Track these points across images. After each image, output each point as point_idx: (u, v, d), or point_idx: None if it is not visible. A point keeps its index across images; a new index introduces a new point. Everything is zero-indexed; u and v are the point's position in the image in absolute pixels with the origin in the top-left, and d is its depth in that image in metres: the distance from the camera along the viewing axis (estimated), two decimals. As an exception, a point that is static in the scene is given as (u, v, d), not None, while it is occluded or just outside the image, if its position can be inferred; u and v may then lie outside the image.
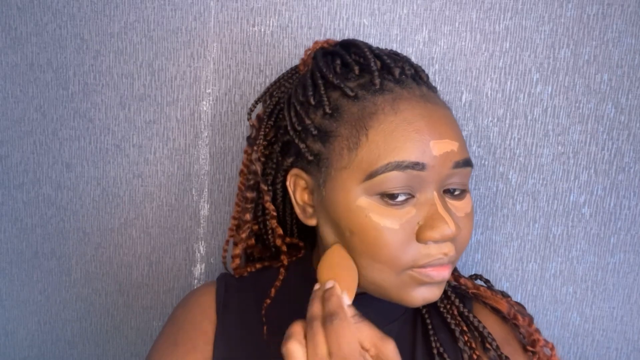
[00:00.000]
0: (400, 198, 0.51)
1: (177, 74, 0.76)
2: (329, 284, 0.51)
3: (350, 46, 0.59)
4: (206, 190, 0.79)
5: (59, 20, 0.76)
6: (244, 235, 0.67)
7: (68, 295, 0.83)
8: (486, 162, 0.76)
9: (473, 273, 0.71)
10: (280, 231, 0.63)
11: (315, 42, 0.64)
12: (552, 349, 0.62)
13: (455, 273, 0.67)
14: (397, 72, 0.54)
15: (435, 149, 0.51)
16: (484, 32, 0.74)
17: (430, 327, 0.61)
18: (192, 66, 0.76)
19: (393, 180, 0.51)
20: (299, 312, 0.51)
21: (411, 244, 0.52)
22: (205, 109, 0.77)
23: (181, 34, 0.75)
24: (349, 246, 0.54)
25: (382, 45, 0.72)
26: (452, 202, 0.54)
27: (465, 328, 0.61)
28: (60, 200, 0.80)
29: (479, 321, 0.61)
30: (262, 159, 0.63)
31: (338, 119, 0.54)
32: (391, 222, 0.51)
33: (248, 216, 0.66)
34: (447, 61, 0.75)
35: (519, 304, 0.66)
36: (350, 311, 0.49)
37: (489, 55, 0.74)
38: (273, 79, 0.74)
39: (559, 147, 0.76)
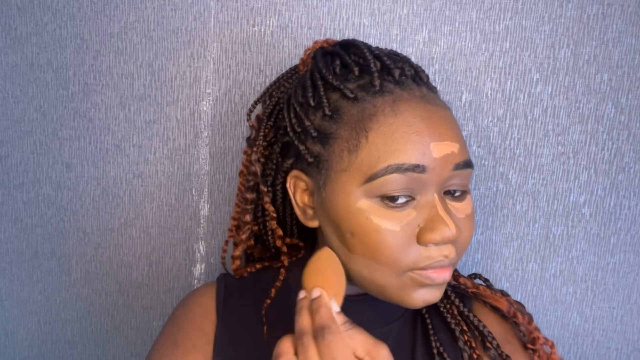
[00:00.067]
0: (401, 200, 0.51)
1: (177, 74, 0.76)
2: (315, 293, 0.50)
3: (349, 46, 0.59)
4: (206, 190, 0.79)
5: (59, 20, 0.76)
6: (244, 237, 0.66)
7: (68, 295, 0.83)
8: (486, 162, 0.76)
9: (472, 272, 0.71)
10: (280, 232, 0.63)
11: (315, 42, 0.64)
12: (552, 346, 0.62)
13: (455, 272, 0.66)
14: (397, 73, 0.54)
15: (436, 151, 0.51)
16: (484, 32, 0.74)
17: (430, 326, 0.61)
18: (192, 66, 0.76)
19: (393, 182, 0.51)
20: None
21: (412, 246, 0.52)
22: (205, 109, 0.77)
23: (181, 34, 0.75)
24: (349, 248, 0.53)
25: (382, 45, 0.72)
26: (452, 204, 0.54)
27: (465, 327, 0.61)
28: (60, 200, 0.80)
29: (479, 320, 0.61)
30: (262, 160, 0.63)
31: (338, 120, 0.54)
32: (392, 224, 0.51)
33: (248, 217, 0.66)
34: (447, 61, 0.75)
35: (518, 302, 0.66)
36: (340, 319, 0.48)
37: (489, 55, 0.74)
38: (273, 79, 0.74)
39: (559, 147, 0.76)
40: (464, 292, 0.66)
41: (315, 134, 0.55)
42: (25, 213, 0.81)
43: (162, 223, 0.80)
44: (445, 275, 0.53)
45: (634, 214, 0.77)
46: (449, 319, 0.61)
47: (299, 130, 0.57)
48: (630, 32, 0.73)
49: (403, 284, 0.53)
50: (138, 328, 0.83)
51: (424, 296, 0.54)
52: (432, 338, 0.60)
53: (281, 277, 0.63)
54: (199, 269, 0.81)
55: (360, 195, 0.52)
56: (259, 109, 0.69)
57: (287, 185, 0.58)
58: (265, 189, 0.62)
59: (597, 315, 0.79)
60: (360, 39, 0.69)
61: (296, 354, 0.47)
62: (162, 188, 0.79)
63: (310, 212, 0.58)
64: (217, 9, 0.75)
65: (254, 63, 0.76)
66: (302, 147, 0.56)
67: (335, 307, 0.49)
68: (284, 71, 0.68)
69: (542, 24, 0.73)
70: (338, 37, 0.74)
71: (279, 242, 0.63)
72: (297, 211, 0.58)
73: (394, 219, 0.51)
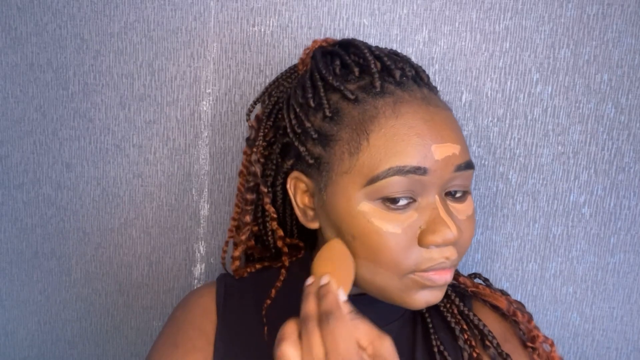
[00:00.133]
0: (402, 202, 0.51)
1: (177, 74, 0.76)
2: (324, 280, 0.49)
3: (349, 46, 0.58)
4: (206, 190, 0.79)
5: (59, 20, 0.76)
6: (244, 237, 0.66)
7: (68, 295, 0.83)
8: (486, 162, 0.76)
9: (472, 272, 0.71)
10: (281, 233, 0.63)
11: (314, 41, 0.63)
12: (552, 345, 0.62)
13: (455, 272, 0.66)
14: (397, 74, 0.54)
15: (437, 153, 0.51)
16: (484, 32, 0.74)
17: (430, 326, 0.61)
18: (192, 66, 0.76)
19: (395, 185, 0.50)
20: (299, 312, 0.51)
21: (413, 248, 0.52)
22: (205, 109, 0.77)
23: (181, 34, 0.75)
24: (351, 250, 0.53)
25: (382, 46, 0.72)
26: (453, 205, 0.54)
27: (465, 326, 0.61)
28: (60, 200, 0.80)
29: (479, 319, 0.61)
30: (262, 161, 0.63)
31: (338, 122, 0.54)
32: (393, 226, 0.51)
33: (248, 218, 0.65)
34: (447, 61, 0.75)
35: (518, 301, 0.66)
36: (346, 308, 0.47)
37: (489, 55, 0.74)
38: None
39: (559, 147, 0.76)
40: (463, 291, 0.66)
41: (315, 136, 0.55)
42: (25, 213, 0.81)
43: (162, 223, 0.80)
44: (447, 277, 0.53)
45: (634, 214, 0.77)
46: (448, 318, 0.61)
47: (299, 131, 0.56)
48: (630, 32, 0.73)
49: (404, 285, 0.53)
50: (138, 328, 0.83)
51: (426, 297, 0.54)
52: (432, 337, 0.60)
53: (282, 278, 0.63)
54: (199, 269, 0.81)
55: (362, 198, 0.52)
56: (258, 109, 0.69)
57: (288, 186, 0.58)
58: (265, 190, 0.62)
59: (597, 315, 0.79)
60: (360, 39, 0.69)
61: (300, 338, 0.46)
62: (162, 188, 0.79)
63: (310, 213, 0.57)
64: (217, 9, 0.75)
65: (254, 63, 0.76)
66: (302, 149, 0.56)
67: (343, 295, 0.48)
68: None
69: (542, 24, 0.73)
70: (338, 37, 0.74)
71: (279, 243, 0.63)
72: (298, 212, 0.58)
73: (395, 222, 0.51)
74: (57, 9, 0.76)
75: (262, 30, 0.75)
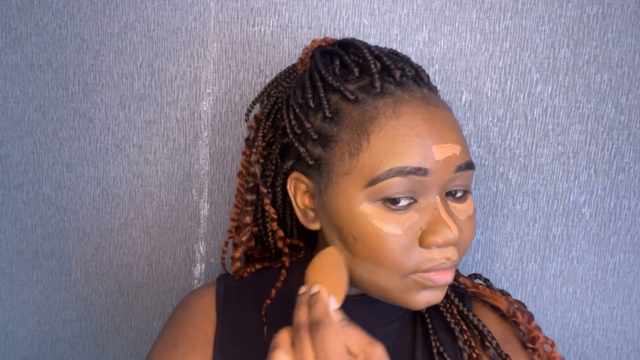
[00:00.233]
0: (403, 203, 0.51)
1: (177, 74, 0.76)
2: (314, 289, 0.50)
3: (349, 46, 0.58)
4: (206, 190, 0.79)
5: (59, 20, 0.76)
6: (244, 238, 0.66)
7: (68, 295, 0.83)
8: (486, 162, 0.76)
9: (472, 272, 0.71)
10: (281, 233, 0.63)
11: (313, 41, 0.63)
12: (552, 345, 0.62)
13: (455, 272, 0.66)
14: (397, 74, 0.54)
15: (438, 153, 0.51)
16: (484, 32, 0.74)
17: (430, 326, 0.61)
18: (192, 66, 0.76)
19: (395, 186, 0.50)
20: None
21: (414, 249, 0.52)
22: (205, 109, 0.77)
23: (181, 34, 0.75)
24: (352, 251, 0.53)
25: (382, 45, 0.72)
26: (454, 205, 0.54)
27: (464, 327, 0.61)
28: (60, 200, 0.80)
29: (479, 320, 0.61)
30: (261, 161, 0.63)
31: (338, 123, 0.53)
32: (394, 227, 0.51)
33: (248, 219, 0.65)
34: (447, 61, 0.74)
35: (518, 301, 0.66)
36: (336, 316, 0.48)
37: (489, 55, 0.74)
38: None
39: (559, 147, 0.76)
40: (463, 291, 0.65)
41: (315, 137, 0.55)
42: (25, 213, 0.81)
43: (162, 223, 0.80)
44: (448, 277, 0.53)
45: (634, 214, 0.77)
46: (448, 319, 0.61)
47: (299, 132, 0.56)
48: (630, 32, 0.73)
49: (405, 286, 0.53)
50: (138, 328, 0.83)
51: (427, 297, 0.54)
52: (432, 338, 0.60)
53: (282, 278, 0.63)
54: (199, 269, 0.81)
55: (362, 199, 0.51)
56: (257, 109, 0.69)
57: (288, 187, 0.58)
58: (265, 191, 0.62)
59: (597, 315, 0.79)
60: (360, 39, 0.69)
61: (293, 346, 0.47)
62: (162, 188, 0.79)
63: (311, 214, 0.57)
64: (217, 9, 0.75)
65: (254, 63, 0.76)
66: (302, 150, 0.56)
67: (334, 304, 0.49)
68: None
69: (542, 24, 0.73)
70: (338, 37, 0.73)
71: (280, 243, 0.63)
72: (298, 213, 0.58)
73: (396, 223, 0.51)
74: (57, 9, 0.76)
75: (262, 30, 0.75)
